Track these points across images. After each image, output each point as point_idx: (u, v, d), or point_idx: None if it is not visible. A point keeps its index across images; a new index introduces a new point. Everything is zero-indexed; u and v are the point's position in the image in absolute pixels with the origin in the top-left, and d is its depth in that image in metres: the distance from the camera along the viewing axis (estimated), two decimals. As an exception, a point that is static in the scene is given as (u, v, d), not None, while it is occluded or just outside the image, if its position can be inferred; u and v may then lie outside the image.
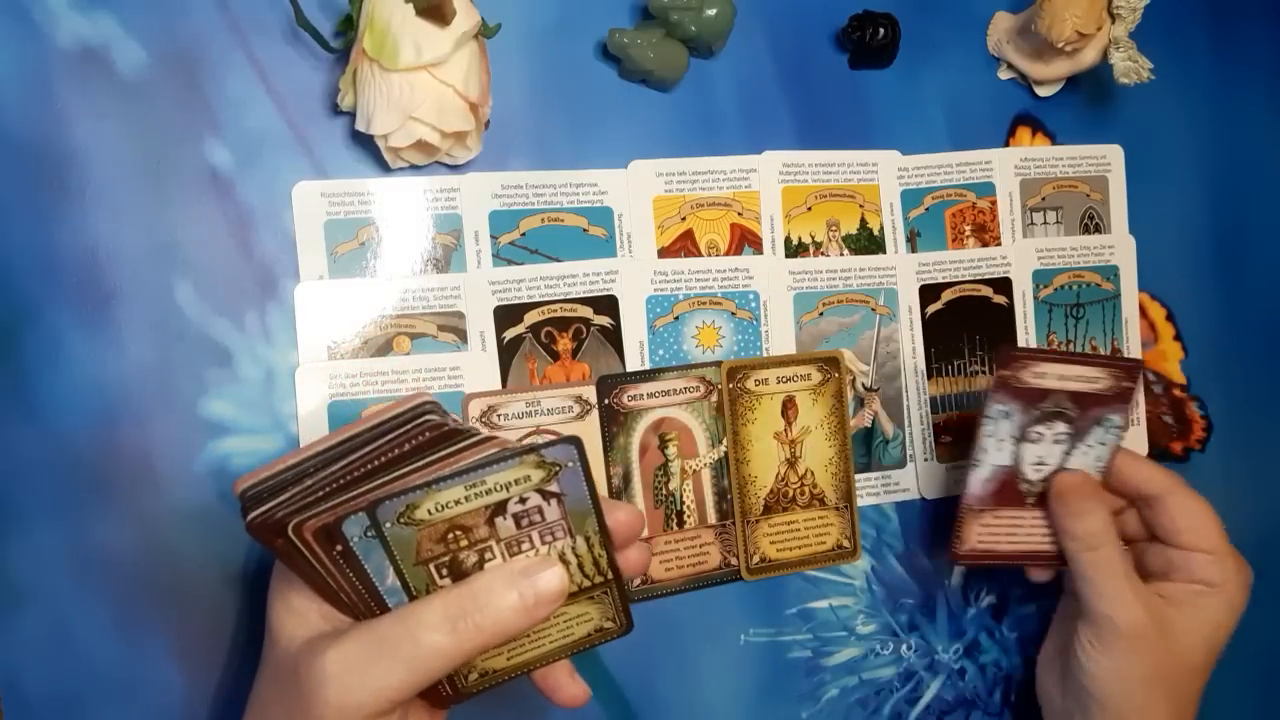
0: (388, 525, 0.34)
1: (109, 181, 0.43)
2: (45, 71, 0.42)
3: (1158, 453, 0.59)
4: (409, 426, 0.36)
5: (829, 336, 0.53)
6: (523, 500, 0.35)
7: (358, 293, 0.46)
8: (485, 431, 0.37)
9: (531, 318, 0.48)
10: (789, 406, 0.51)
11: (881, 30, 0.53)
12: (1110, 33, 0.53)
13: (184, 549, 0.44)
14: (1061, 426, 0.48)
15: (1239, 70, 0.61)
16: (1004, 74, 0.57)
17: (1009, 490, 0.49)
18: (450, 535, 0.35)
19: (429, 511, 0.34)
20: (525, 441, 0.39)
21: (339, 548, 0.34)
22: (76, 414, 0.43)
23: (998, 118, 0.57)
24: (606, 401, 0.49)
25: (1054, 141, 0.58)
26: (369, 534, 0.34)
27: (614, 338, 0.49)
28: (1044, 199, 0.57)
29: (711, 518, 0.51)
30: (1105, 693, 0.47)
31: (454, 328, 0.47)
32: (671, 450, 0.50)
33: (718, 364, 0.50)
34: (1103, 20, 0.53)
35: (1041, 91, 0.57)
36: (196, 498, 0.44)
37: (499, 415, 0.47)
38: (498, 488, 0.35)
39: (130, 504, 0.43)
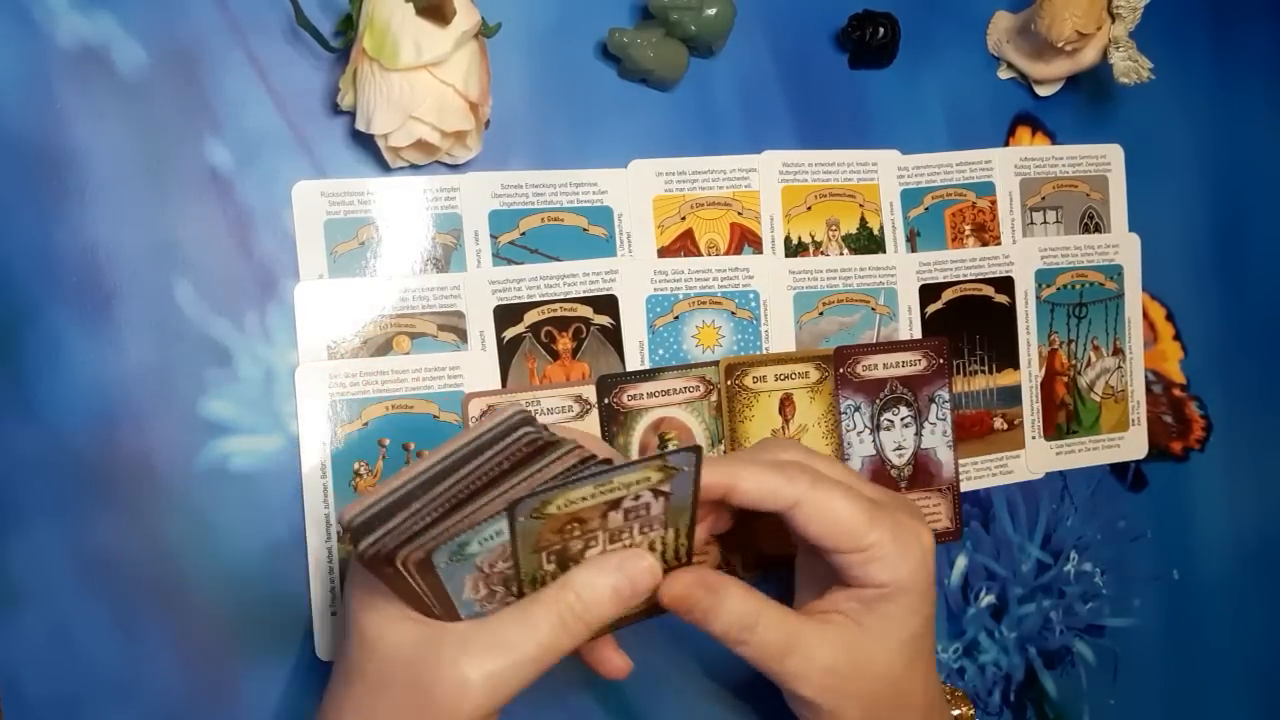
0: (520, 520, 0.35)
1: (109, 181, 0.43)
2: (45, 71, 0.42)
3: (1157, 452, 0.60)
4: (508, 440, 0.38)
5: (829, 336, 0.53)
6: (637, 498, 0.37)
7: (357, 292, 0.46)
8: (574, 440, 0.39)
9: (531, 317, 0.48)
10: (786, 404, 0.51)
11: (881, 30, 0.53)
12: (1110, 32, 0.53)
13: (184, 549, 0.44)
14: (904, 410, 0.52)
15: (1239, 70, 0.61)
16: (1004, 74, 0.57)
17: (882, 478, 0.52)
18: (568, 526, 0.37)
19: (558, 507, 0.36)
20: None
21: (431, 573, 0.35)
22: (76, 414, 0.43)
23: (998, 117, 0.57)
24: (606, 401, 0.49)
25: (1054, 141, 0.58)
26: (454, 559, 0.35)
27: (614, 337, 0.49)
28: (1044, 198, 0.57)
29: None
30: None
31: (454, 327, 0.47)
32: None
33: (717, 363, 0.50)
34: (1103, 20, 0.53)
35: (1041, 91, 0.57)
36: (196, 498, 0.44)
37: (499, 415, 0.47)
38: (621, 487, 0.37)
39: (130, 504, 0.43)
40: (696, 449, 0.37)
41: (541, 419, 0.48)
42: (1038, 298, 0.57)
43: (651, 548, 0.40)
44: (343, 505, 0.45)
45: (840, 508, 0.41)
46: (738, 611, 0.41)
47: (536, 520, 0.36)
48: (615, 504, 0.37)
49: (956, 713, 0.50)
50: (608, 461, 0.37)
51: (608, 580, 0.38)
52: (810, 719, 0.43)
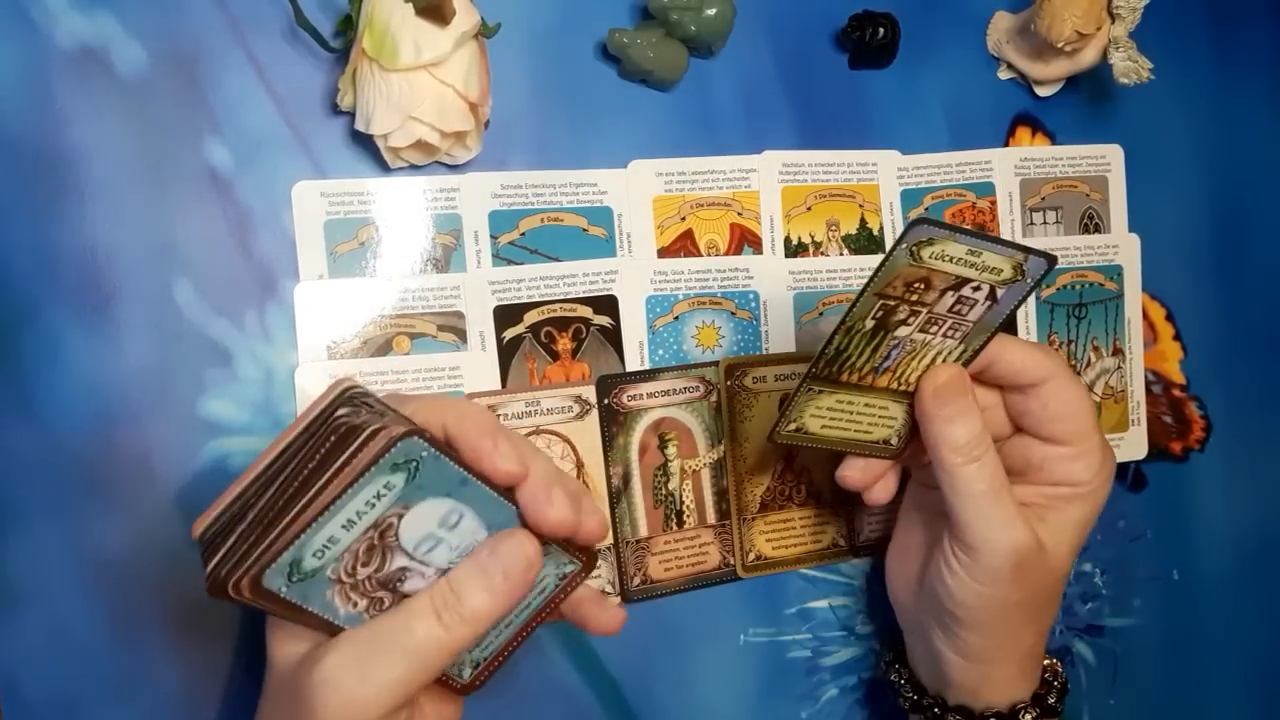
0: (901, 247, 0.36)
1: (109, 181, 0.43)
2: (45, 71, 0.42)
3: (1157, 452, 0.60)
4: (322, 431, 0.35)
5: (829, 336, 0.53)
6: (976, 288, 0.39)
7: (357, 292, 0.46)
8: (382, 419, 0.34)
9: (531, 317, 0.48)
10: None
11: (881, 30, 0.53)
12: (1110, 33, 0.53)
13: (184, 549, 0.44)
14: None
15: (1239, 70, 0.61)
16: (1004, 74, 0.57)
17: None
18: (917, 284, 0.38)
19: (932, 254, 0.37)
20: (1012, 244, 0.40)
21: (275, 598, 0.33)
22: (76, 414, 0.43)
23: (997, 118, 0.57)
24: (606, 401, 0.49)
25: (1054, 141, 0.58)
26: (293, 579, 0.33)
27: (614, 337, 0.49)
28: (1044, 199, 0.57)
29: (711, 518, 0.51)
30: (974, 618, 0.44)
31: (454, 327, 0.47)
32: (671, 450, 0.50)
33: (717, 363, 0.50)
34: (1102, 20, 0.53)
35: (1041, 91, 0.57)
36: (196, 498, 0.44)
37: (498, 415, 0.47)
38: (980, 267, 0.38)
39: (130, 504, 0.43)
40: (1052, 258, 0.38)
41: (541, 419, 0.48)
42: (1037, 298, 0.57)
43: (934, 360, 0.42)
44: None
45: (1083, 399, 0.44)
46: (981, 427, 0.42)
47: (909, 256, 0.37)
48: (961, 284, 0.39)
49: (1048, 661, 0.50)
50: (415, 434, 0.33)
51: (481, 572, 0.36)
52: (971, 588, 0.43)
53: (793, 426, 0.44)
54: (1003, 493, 0.42)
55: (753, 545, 0.51)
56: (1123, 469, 0.59)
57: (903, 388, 0.44)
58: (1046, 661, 0.49)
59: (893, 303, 0.40)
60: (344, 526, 0.33)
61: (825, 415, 0.44)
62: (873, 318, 0.40)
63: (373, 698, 0.34)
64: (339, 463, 0.33)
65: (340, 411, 0.35)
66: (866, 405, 0.44)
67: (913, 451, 0.46)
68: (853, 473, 0.46)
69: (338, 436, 0.33)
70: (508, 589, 0.36)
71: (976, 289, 0.40)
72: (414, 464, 0.33)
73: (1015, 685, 0.46)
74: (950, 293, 0.40)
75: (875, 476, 0.46)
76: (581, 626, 0.42)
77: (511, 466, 0.36)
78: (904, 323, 0.41)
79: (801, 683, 0.53)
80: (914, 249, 0.38)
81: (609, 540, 0.49)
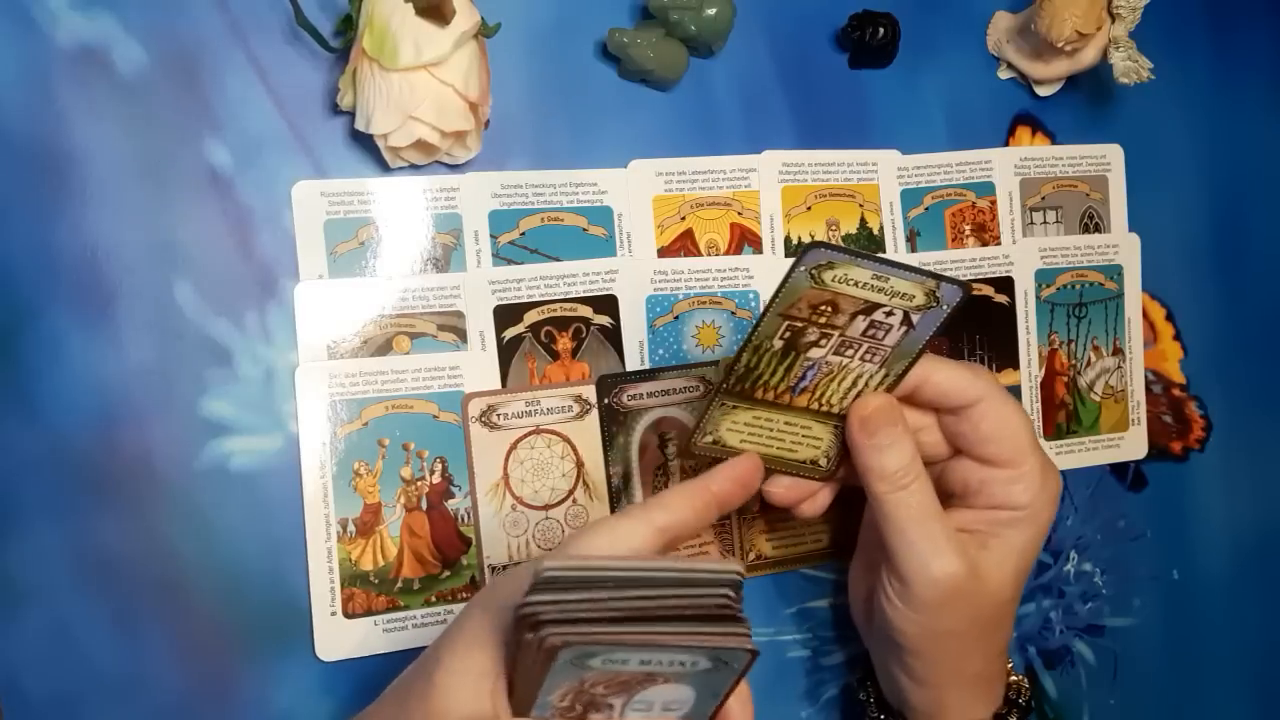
0: (800, 269, 0.37)
1: (109, 181, 0.43)
2: (45, 71, 0.42)
3: (1157, 452, 0.60)
4: (705, 591, 0.35)
5: (829, 336, 0.53)
6: (889, 314, 0.38)
7: (357, 292, 0.46)
8: (748, 635, 0.35)
9: (531, 317, 0.48)
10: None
11: (881, 30, 0.53)
12: (1110, 32, 0.53)
13: (184, 549, 0.44)
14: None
15: (1239, 70, 0.61)
16: (1004, 74, 0.57)
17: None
18: (823, 306, 0.38)
19: (834, 277, 0.37)
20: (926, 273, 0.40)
21: (548, 661, 0.33)
22: (76, 414, 0.43)
23: (997, 117, 0.57)
24: (606, 401, 0.49)
25: (1054, 141, 0.58)
26: (572, 662, 0.33)
27: (614, 337, 0.49)
28: (1044, 198, 0.57)
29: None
30: (914, 645, 0.43)
31: (454, 327, 0.47)
32: (671, 450, 0.50)
33: (717, 363, 0.50)
34: (1102, 20, 0.53)
35: (1041, 91, 0.57)
36: (196, 498, 0.44)
37: (499, 415, 0.47)
38: (889, 292, 0.37)
39: (130, 504, 0.43)
40: (967, 286, 0.38)
41: (541, 419, 0.48)
42: (1038, 298, 0.57)
43: (854, 384, 0.42)
44: (342, 505, 0.45)
45: (1016, 419, 0.43)
46: (910, 455, 0.42)
47: (810, 279, 0.37)
48: (870, 309, 0.39)
49: (1014, 679, 0.49)
50: (754, 655, 0.34)
51: None
52: (906, 616, 0.42)
53: (709, 439, 0.44)
54: (932, 521, 0.41)
55: (753, 545, 0.51)
56: (1123, 469, 0.59)
57: (824, 409, 0.43)
58: (1013, 679, 0.48)
59: (800, 324, 0.39)
60: (641, 662, 0.34)
61: (743, 430, 0.44)
62: (780, 338, 0.40)
63: None
64: (697, 630, 0.34)
65: (729, 592, 0.35)
66: (787, 424, 0.44)
67: (848, 474, 0.45)
68: (777, 489, 0.45)
69: (715, 611, 0.34)
70: None
71: (889, 314, 0.39)
72: (724, 665, 0.34)
73: (971, 707, 0.45)
74: (861, 316, 0.39)
75: (802, 495, 0.46)
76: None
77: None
78: (816, 344, 0.40)
79: (801, 683, 0.53)
80: (814, 272, 0.37)
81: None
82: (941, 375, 0.43)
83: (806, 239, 0.53)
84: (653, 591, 0.34)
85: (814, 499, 0.46)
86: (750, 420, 0.43)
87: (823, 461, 0.45)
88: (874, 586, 0.44)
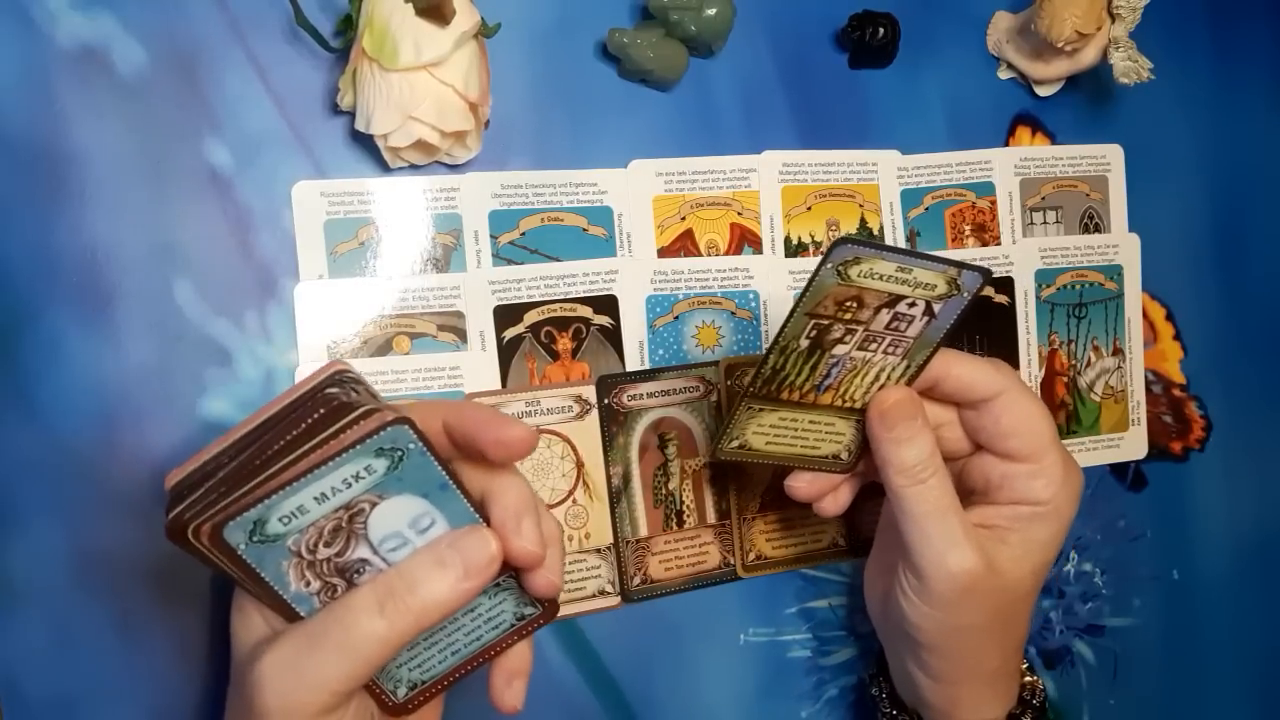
0: (826, 268, 0.37)
1: (109, 181, 0.43)
2: (45, 71, 0.42)
3: (1157, 452, 0.60)
4: (312, 402, 0.34)
5: (829, 336, 0.53)
6: (912, 305, 0.38)
7: (357, 292, 0.46)
8: (374, 402, 0.34)
9: (531, 317, 0.48)
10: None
11: (881, 30, 0.53)
12: (1110, 32, 0.53)
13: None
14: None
15: (1239, 70, 0.61)
16: (1004, 74, 0.57)
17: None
18: (848, 302, 0.38)
19: (859, 273, 0.37)
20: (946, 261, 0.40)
21: (232, 554, 0.33)
22: (76, 414, 0.43)
23: (997, 117, 0.57)
24: (606, 401, 0.49)
25: (1054, 141, 0.58)
26: (254, 539, 0.33)
27: (614, 337, 0.49)
28: (1044, 199, 0.57)
29: (711, 517, 0.51)
30: (931, 640, 0.43)
31: (454, 327, 0.47)
32: (671, 450, 0.50)
33: (717, 363, 0.50)
34: (1102, 20, 0.53)
35: (1041, 91, 0.57)
36: (196, 497, 0.44)
37: (499, 415, 0.47)
38: (912, 283, 0.38)
39: (130, 504, 0.43)
40: (987, 271, 0.38)
41: (541, 419, 0.48)
42: (1038, 298, 0.57)
43: (876, 378, 0.42)
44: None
45: (1037, 413, 0.43)
46: (930, 449, 0.42)
47: (836, 276, 0.37)
48: (895, 301, 0.39)
49: (1029, 679, 0.49)
50: (405, 422, 0.33)
51: (437, 563, 0.34)
52: (923, 611, 0.42)
53: (735, 444, 0.44)
54: (950, 515, 0.41)
55: (753, 545, 0.51)
56: (1123, 469, 0.59)
57: (848, 404, 0.43)
58: (1028, 679, 0.48)
59: (826, 322, 0.40)
60: (316, 499, 0.33)
61: (769, 432, 0.44)
62: (806, 337, 0.40)
63: (308, 698, 0.33)
64: (324, 434, 0.32)
65: (330, 390, 0.34)
66: (811, 422, 0.44)
67: (868, 467, 0.45)
68: (800, 484, 0.46)
69: (327, 410, 0.33)
70: (465, 585, 0.34)
71: (912, 305, 0.40)
72: (399, 453, 0.33)
73: (987, 705, 0.45)
74: (885, 310, 0.40)
75: (824, 489, 0.46)
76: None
77: (511, 444, 0.34)
78: (840, 341, 0.41)
79: (801, 683, 0.53)
80: (840, 268, 0.38)
81: (609, 540, 0.49)
82: (963, 369, 0.43)
83: (807, 239, 0.53)
84: (266, 436, 0.33)
85: (836, 495, 0.46)
86: (775, 422, 0.44)
87: (844, 455, 0.45)
88: (891, 584, 0.44)
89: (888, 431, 0.42)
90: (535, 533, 0.36)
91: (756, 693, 0.52)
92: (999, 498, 0.44)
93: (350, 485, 0.33)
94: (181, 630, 0.44)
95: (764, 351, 0.41)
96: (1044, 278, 0.57)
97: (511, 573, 0.37)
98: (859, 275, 0.38)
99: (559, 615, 0.40)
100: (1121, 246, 0.58)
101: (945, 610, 0.42)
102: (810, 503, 0.46)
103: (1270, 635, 0.62)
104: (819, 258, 0.38)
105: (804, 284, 0.39)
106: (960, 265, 0.39)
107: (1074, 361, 0.57)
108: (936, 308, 0.40)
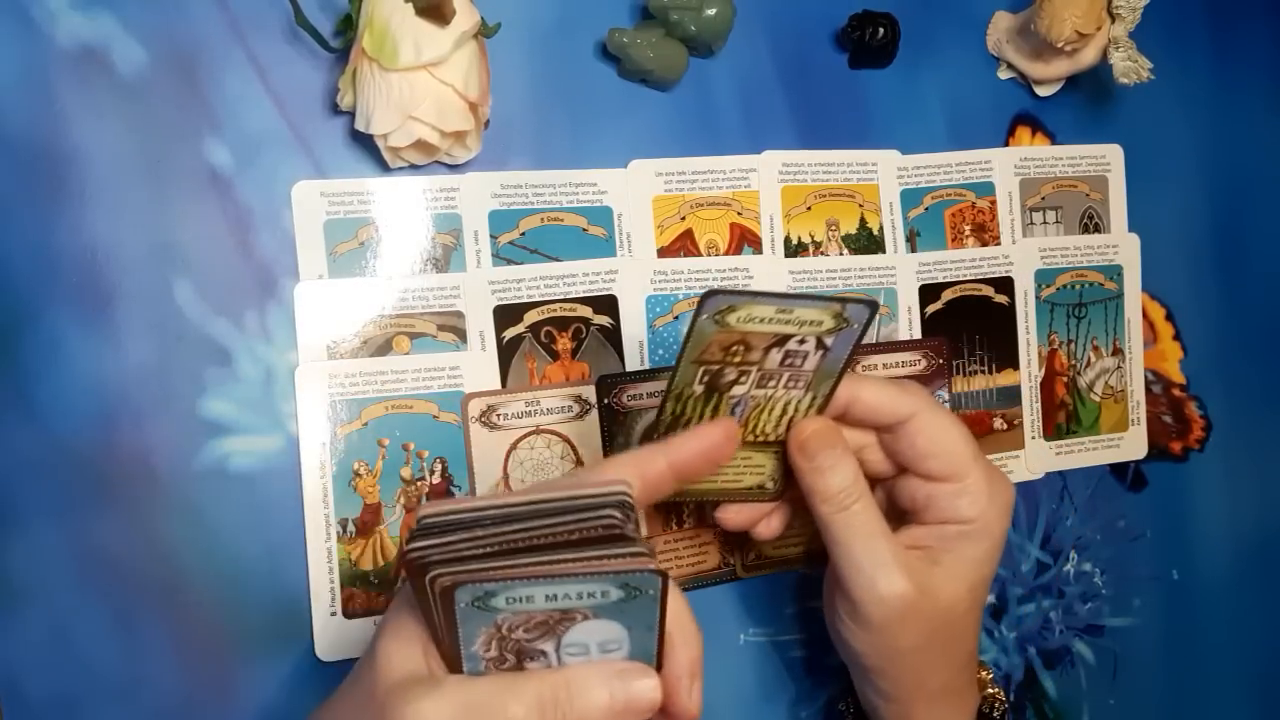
0: (703, 317, 0.37)
1: (109, 181, 0.43)
2: (45, 71, 0.42)
3: (1157, 452, 0.60)
4: (590, 515, 0.35)
5: (829, 336, 0.53)
6: (801, 342, 0.38)
7: (357, 292, 0.46)
8: (649, 547, 0.36)
9: (531, 317, 0.48)
10: None
11: (881, 30, 0.53)
12: (1110, 32, 0.53)
13: (184, 549, 0.44)
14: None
15: (1239, 70, 0.61)
16: (1004, 74, 0.57)
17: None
18: (734, 347, 0.38)
19: (738, 319, 0.37)
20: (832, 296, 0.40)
21: (449, 608, 0.34)
22: (76, 414, 0.43)
23: (997, 117, 0.57)
24: (606, 401, 0.49)
25: (1054, 141, 0.58)
26: (475, 604, 0.34)
27: (613, 337, 0.49)
28: (1043, 199, 0.57)
29: (711, 517, 0.51)
30: (871, 663, 0.43)
31: (454, 327, 0.47)
32: (671, 450, 0.50)
33: (717, 364, 0.50)
34: (1102, 20, 0.53)
35: (1041, 91, 0.57)
36: (196, 498, 0.44)
37: (498, 415, 0.47)
38: (796, 322, 0.37)
39: (130, 504, 0.43)
40: (873, 303, 0.38)
41: (541, 419, 0.48)
42: (1037, 298, 0.57)
43: (784, 410, 0.41)
44: (342, 505, 0.45)
45: (953, 432, 0.43)
46: (852, 476, 0.42)
47: (715, 324, 0.37)
48: (782, 341, 0.38)
49: (990, 691, 0.49)
50: (661, 575, 0.34)
51: (605, 687, 0.35)
52: (860, 636, 0.42)
53: None
54: (877, 540, 0.41)
55: (753, 545, 0.51)
56: (1122, 469, 0.59)
57: (761, 439, 0.43)
58: (989, 691, 0.48)
59: (716, 366, 0.39)
60: (547, 596, 0.34)
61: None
62: (700, 383, 0.40)
63: None
64: (591, 554, 0.33)
65: (614, 511, 0.35)
66: (728, 459, 0.43)
67: (795, 495, 0.45)
68: (728, 515, 0.45)
69: (606, 535, 0.34)
70: (623, 715, 0.35)
71: (802, 341, 0.39)
72: (637, 593, 0.34)
73: None
74: (775, 349, 0.39)
75: (754, 518, 0.46)
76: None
77: (723, 447, 0.38)
78: (736, 382, 0.40)
79: (801, 683, 0.53)
80: (717, 317, 0.37)
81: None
82: (869, 393, 0.43)
83: (807, 239, 0.53)
84: (535, 522, 0.34)
85: (768, 521, 0.46)
86: None
87: (769, 485, 0.45)
88: (832, 617, 0.44)
89: (808, 461, 0.42)
90: (699, 697, 0.36)
91: (756, 693, 0.52)
92: (926, 518, 0.43)
93: (581, 599, 0.34)
94: (181, 630, 0.44)
95: (661, 400, 0.40)
96: (1044, 278, 0.57)
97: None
98: (738, 321, 0.38)
99: None
100: (1121, 246, 0.58)
101: (881, 634, 0.42)
102: (743, 531, 0.46)
103: (1270, 635, 0.62)
104: (693, 309, 0.37)
105: (685, 334, 0.38)
106: (843, 299, 0.38)
107: (1074, 361, 0.57)
108: (828, 341, 0.39)
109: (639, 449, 0.39)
